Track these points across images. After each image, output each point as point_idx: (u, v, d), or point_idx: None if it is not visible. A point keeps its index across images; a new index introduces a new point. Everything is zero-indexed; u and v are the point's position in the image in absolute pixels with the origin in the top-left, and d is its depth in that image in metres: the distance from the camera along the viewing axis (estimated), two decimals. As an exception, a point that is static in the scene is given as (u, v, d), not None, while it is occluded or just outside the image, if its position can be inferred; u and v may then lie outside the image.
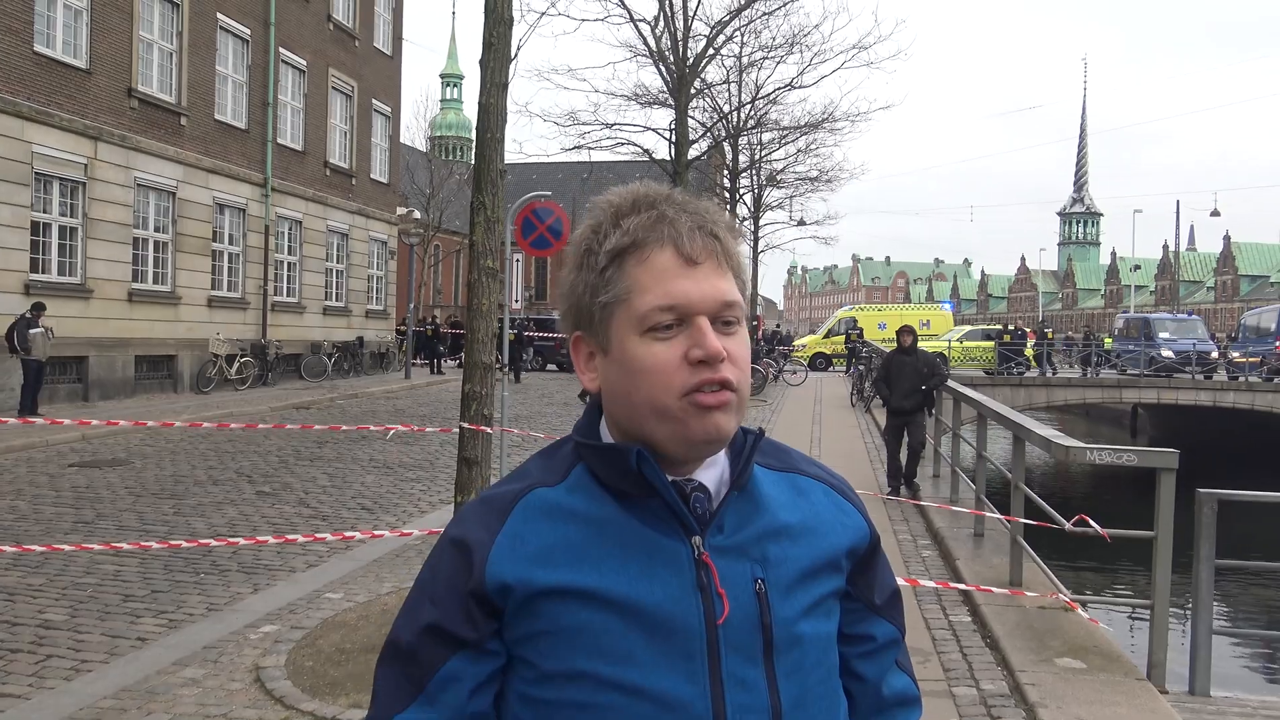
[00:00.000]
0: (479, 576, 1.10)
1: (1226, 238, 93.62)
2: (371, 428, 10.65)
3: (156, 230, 21.10)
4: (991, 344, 33.10)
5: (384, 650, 1.17)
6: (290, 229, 26.11)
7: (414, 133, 57.32)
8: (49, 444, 13.11)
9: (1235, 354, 32.01)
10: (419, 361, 31.74)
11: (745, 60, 18.63)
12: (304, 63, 26.46)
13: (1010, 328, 37.53)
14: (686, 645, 1.08)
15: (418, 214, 33.32)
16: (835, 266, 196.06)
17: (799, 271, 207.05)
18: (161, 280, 21.21)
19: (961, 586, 6.62)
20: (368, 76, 30.03)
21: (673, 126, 15.87)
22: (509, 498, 1.16)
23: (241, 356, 22.27)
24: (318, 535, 7.33)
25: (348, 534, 7.35)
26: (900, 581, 6.41)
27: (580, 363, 1.18)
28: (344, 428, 10.46)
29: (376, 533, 7.42)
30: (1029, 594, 6.18)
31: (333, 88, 28.17)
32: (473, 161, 6.26)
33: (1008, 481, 6.88)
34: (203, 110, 22.33)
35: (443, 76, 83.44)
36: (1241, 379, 29.26)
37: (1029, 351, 34.60)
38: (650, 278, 1.10)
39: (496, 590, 1.10)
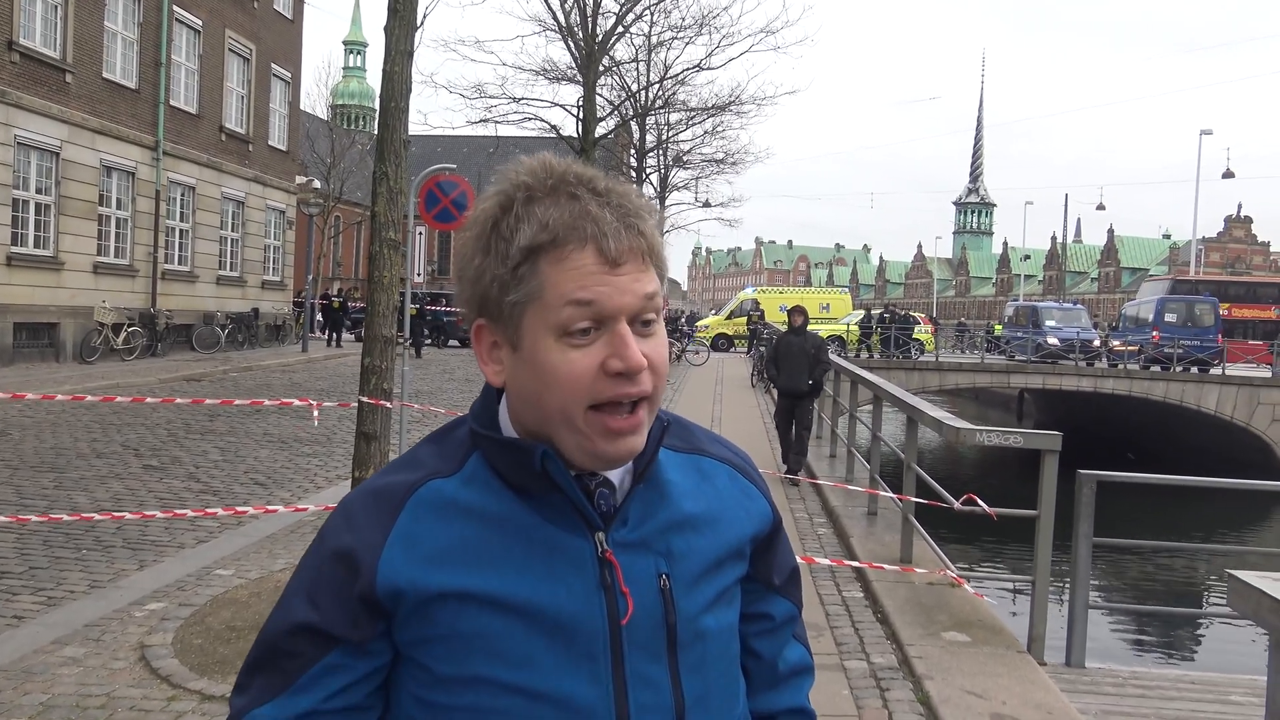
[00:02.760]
0: (369, 581, 1.04)
1: (1110, 231, 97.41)
2: (265, 402, 10.37)
3: (38, 192, 20.14)
4: (853, 328, 33.48)
5: (256, 645, 1.11)
6: (183, 195, 25.22)
7: (315, 100, 55.76)
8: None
9: (1116, 342, 33.40)
10: (317, 334, 31.06)
11: (655, 39, 18.68)
12: (199, 22, 25.52)
13: (902, 313, 38.44)
14: (589, 647, 1.05)
15: (318, 183, 32.54)
16: (739, 249, 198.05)
17: (703, 253, 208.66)
18: (43, 244, 20.27)
19: (855, 564, 6.78)
20: (267, 39, 29.12)
21: (580, 103, 15.78)
22: (401, 492, 1.09)
23: (129, 326, 21.47)
24: (209, 510, 7.13)
25: (240, 509, 7.16)
26: (796, 559, 6.56)
27: (482, 352, 1.10)
28: (236, 402, 10.15)
29: (270, 508, 7.24)
30: (919, 571, 6.37)
31: (230, 49, 27.23)
32: (375, 131, 6.14)
33: (901, 462, 7.07)
34: (90, 68, 21.36)
35: (346, 43, 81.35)
36: (1121, 366, 30.55)
37: (925, 336, 35.54)
38: (568, 280, 1.01)
39: (388, 595, 1.04)
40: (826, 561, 6.73)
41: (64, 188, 20.63)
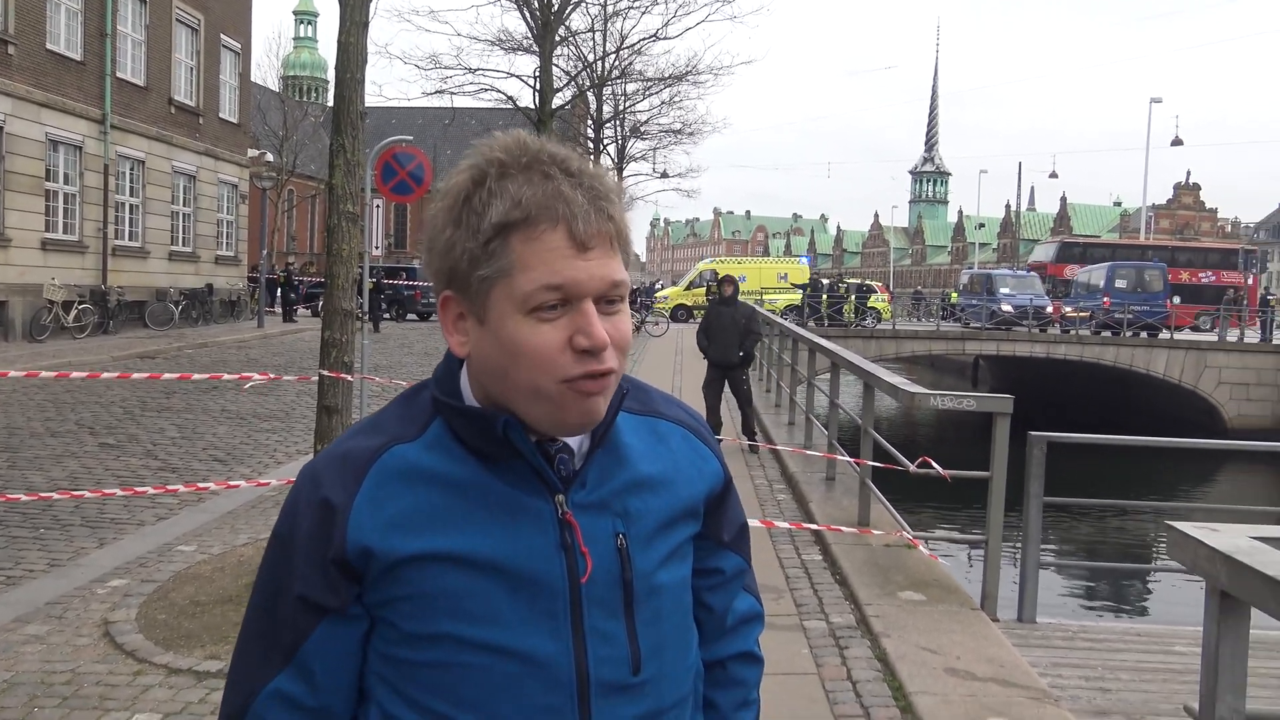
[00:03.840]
0: (340, 543, 1.08)
1: (1063, 199, 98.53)
2: (224, 376, 10.30)
3: (-19, 167, 19.69)
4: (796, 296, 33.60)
5: (247, 615, 1.16)
6: (132, 169, 24.75)
7: (265, 71, 54.85)
8: None
9: (1068, 309, 33.92)
10: (274, 310, 30.73)
11: (611, 9, 18.57)
12: (145, -9, 24.98)
13: (855, 281, 38.80)
14: (550, 604, 1.10)
15: (270, 156, 32.07)
16: (697, 219, 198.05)
17: (661, 224, 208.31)
18: (-12, 221, 19.85)
19: (813, 527, 6.91)
20: (215, 9, 28.54)
21: (537, 74, 15.67)
22: (366, 456, 1.12)
23: (80, 303, 21.11)
24: (168, 487, 7.11)
25: (201, 485, 7.14)
26: (756, 523, 6.65)
27: (448, 323, 1.13)
28: (195, 376, 10.07)
29: (232, 484, 7.23)
30: (876, 533, 6.51)
31: (177, 20, 26.68)
32: (330, 103, 6.10)
33: (859, 428, 7.19)
34: (33, 39, 20.84)
35: (296, 13, 79.85)
36: (1073, 332, 31.05)
37: (882, 305, 35.88)
38: (538, 258, 1.04)
39: (358, 556, 1.08)
40: (786, 525, 6.84)
41: (9, 163, 20.17)
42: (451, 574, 1.08)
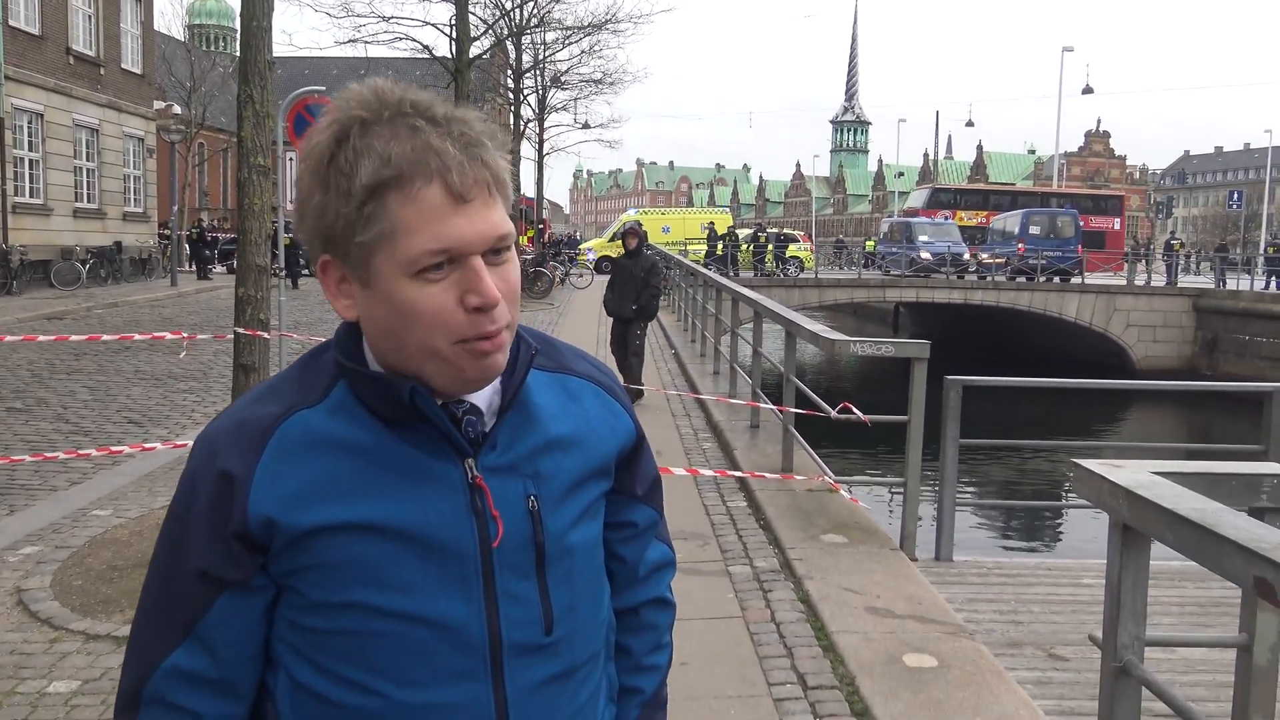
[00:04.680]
0: (241, 516, 1.06)
1: (979, 147, 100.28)
2: (135, 337, 10.00)
3: None
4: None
5: (144, 589, 1.12)
6: (30, 122, 23.71)
7: (170, 20, 52.96)
8: None
9: (984, 256, 34.63)
10: (186, 268, 29.84)
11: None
12: (35, -66, 23.78)
13: (774, 230, 39.12)
14: (461, 569, 1.09)
15: (178, 109, 30.99)
16: (620, 170, 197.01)
17: (584, 175, 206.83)
18: (-124, 178, 18.89)
19: (738, 474, 7.00)
20: (113, -46, 27.32)
21: (453, 22, 15.34)
22: (266, 424, 1.08)
23: (-21, 263, 20.28)
24: (80, 451, 6.91)
25: (115, 449, 6.96)
26: (681, 471, 6.73)
27: (330, 287, 1.09)
28: (104, 338, 9.77)
29: (148, 446, 7.06)
30: (799, 478, 6.63)
31: (72, -36, 25.49)
32: (238, 53, 5.91)
33: (783, 376, 7.28)
34: (-86, -15, 19.77)
35: (200, -42, 76.82)
36: (989, 279, 31.74)
37: (805, 254, 36.20)
38: (418, 218, 1.00)
39: (260, 529, 1.06)
40: (711, 473, 6.93)
41: (-105, 116, 19.19)
42: (360, 543, 1.06)
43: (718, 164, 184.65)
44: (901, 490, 5.97)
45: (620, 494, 1.27)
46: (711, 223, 36.25)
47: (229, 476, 1.06)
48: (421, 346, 1.04)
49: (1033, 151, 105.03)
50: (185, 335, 7.78)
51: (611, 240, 38.63)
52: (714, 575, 5.17)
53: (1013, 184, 55.65)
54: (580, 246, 38.97)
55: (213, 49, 64.43)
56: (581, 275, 28.68)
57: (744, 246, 33.61)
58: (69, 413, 9.61)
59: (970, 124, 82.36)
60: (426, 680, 1.08)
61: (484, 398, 1.12)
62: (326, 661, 1.09)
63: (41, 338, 9.36)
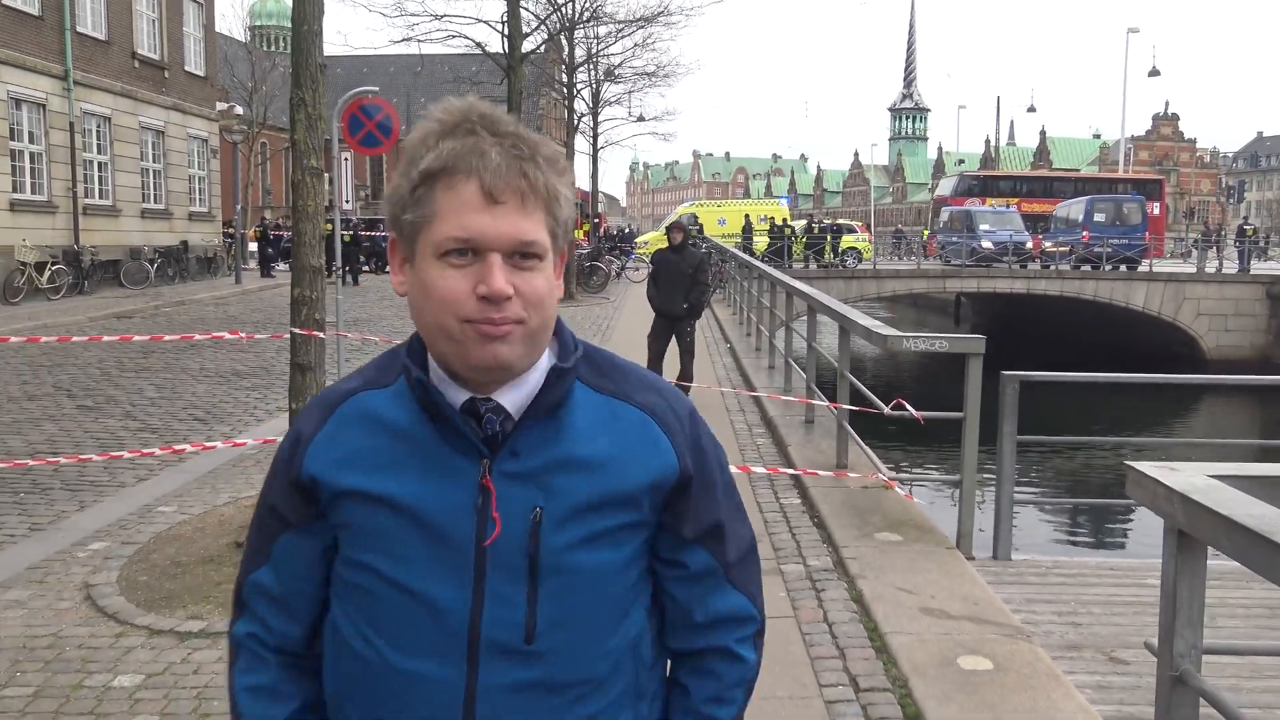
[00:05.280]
0: (296, 469, 1.25)
1: (1042, 132, 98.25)
2: (196, 337, 10.22)
3: (-56, 127, 19.32)
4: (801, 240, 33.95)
5: (253, 516, 1.35)
6: (98, 126, 24.32)
7: (231, 22, 53.96)
8: None
9: (1047, 244, 33.97)
10: (250, 265, 30.44)
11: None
12: (102, -59, 24.35)
13: (828, 222, 38.78)
14: (456, 559, 1.19)
15: (240, 109, 31.56)
16: (676, 163, 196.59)
17: (640, 168, 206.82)
18: (-46, 182, 19.52)
19: (792, 471, 6.96)
20: (176, -41, 27.89)
21: (504, 19, 15.40)
22: (338, 397, 1.28)
23: (53, 264, 20.86)
24: (146, 450, 7.08)
25: (178, 447, 7.12)
26: (734, 470, 6.70)
27: (394, 265, 1.24)
28: (166, 338, 10.00)
29: (209, 444, 7.21)
30: (853, 475, 6.57)
31: (137, -29, 26.06)
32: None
33: (836, 370, 7.22)
34: (-12, -6, 20.35)
35: (261, -40, 78.07)
36: (1053, 267, 31.14)
37: (863, 244, 35.81)
38: (451, 207, 1.13)
39: (309, 482, 1.24)
40: (763, 470, 6.89)
41: (-29, 122, 19.81)
42: (379, 514, 1.21)
43: (774, 154, 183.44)
44: (958, 487, 5.88)
45: (666, 532, 1.28)
46: (768, 215, 36.06)
47: (300, 435, 1.27)
48: (436, 323, 1.16)
49: (1098, 136, 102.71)
50: (244, 335, 7.91)
51: (666, 233, 38.62)
52: (766, 574, 5.10)
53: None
54: (636, 240, 38.94)
55: (273, 49, 65.53)
56: (638, 269, 28.67)
57: (799, 238, 33.33)
58: (137, 410, 9.85)
59: (1033, 109, 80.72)
60: (411, 649, 1.21)
61: (514, 401, 1.20)
62: (349, 610, 1.25)
63: (106, 338, 9.61)
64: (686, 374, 10.12)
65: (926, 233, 42.94)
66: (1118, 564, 5.91)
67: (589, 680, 1.23)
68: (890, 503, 6.15)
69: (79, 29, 23.26)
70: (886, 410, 5.80)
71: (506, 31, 15.59)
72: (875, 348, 6.54)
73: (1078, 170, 64.53)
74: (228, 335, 9.17)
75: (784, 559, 5.40)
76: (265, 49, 59.83)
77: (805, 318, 9.52)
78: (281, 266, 31.08)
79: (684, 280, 9.98)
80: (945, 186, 49.50)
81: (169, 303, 20.55)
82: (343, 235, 28.25)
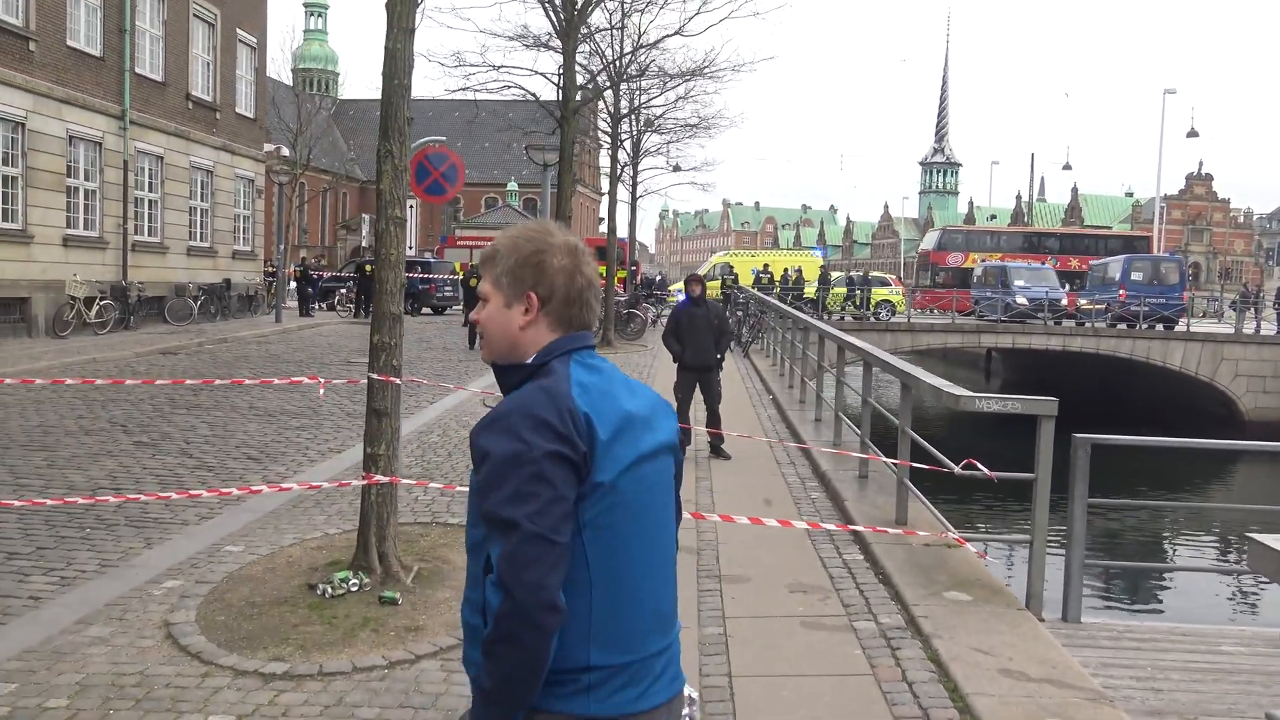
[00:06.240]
0: (584, 432, 1.79)
1: (1074, 189, 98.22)
2: (245, 381, 10.36)
3: (6, 164, 19.80)
4: (843, 290, 34.48)
5: (511, 474, 1.73)
6: (151, 165, 24.84)
7: (278, 65, 55.00)
8: (-103, 393, 12.35)
9: (1083, 301, 33.82)
10: (289, 304, 30.81)
11: (629, 4, 18.45)
12: (162, -13, 25.02)
13: (868, 274, 38.83)
14: None
15: (286, 150, 32.11)
16: (706, 211, 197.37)
17: (670, 215, 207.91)
18: (12, 218, 19.95)
19: (853, 528, 6.95)
20: (231, 4, 28.59)
21: (560, 71, 15.68)
22: (564, 385, 1.84)
23: (101, 299, 21.22)
24: (222, 490, 7.18)
25: (254, 488, 7.22)
26: (802, 525, 6.70)
27: None
28: (217, 382, 10.14)
29: (285, 486, 7.31)
30: (920, 533, 6.55)
31: (194, 15, 26.74)
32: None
33: (885, 423, 7.21)
34: (53, 35, 20.92)
35: (306, 5, 79.81)
36: (1088, 325, 30.99)
37: (896, 297, 35.81)
38: None
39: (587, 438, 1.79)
40: (831, 527, 6.89)
41: (31, 159, 20.28)
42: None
43: (803, 204, 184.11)
44: (1026, 548, 5.86)
45: None
46: (800, 266, 36.16)
47: (567, 405, 1.83)
48: None
49: (1130, 194, 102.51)
50: (321, 381, 8.04)
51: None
52: (839, 630, 5.14)
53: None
54: (669, 287, 39.07)
55: (316, 92, 66.73)
56: (672, 317, 28.74)
57: (835, 290, 33.41)
58: (192, 447, 9.97)
59: (1068, 167, 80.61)
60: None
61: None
62: None
63: (158, 382, 9.72)
64: (716, 420, 10.10)
65: (914, 287, 42.93)
66: (1190, 629, 5.85)
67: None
68: (955, 561, 6.13)
69: (138, 70, 23.84)
70: (957, 470, 5.81)
71: (561, 84, 15.87)
72: (916, 398, 6.52)
73: (1060, 227, 64.15)
74: (306, 380, 9.28)
75: (855, 615, 5.38)
76: (309, 91, 60.96)
77: (850, 368, 9.54)
78: (319, 306, 31.47)
79: (710, 331, 10.08)
80: (929, 240, 49.32)
81: (212, 340, 20.82)
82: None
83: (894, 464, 7.04)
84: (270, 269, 30.47)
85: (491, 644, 1.70)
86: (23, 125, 20.02)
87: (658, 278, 34.37)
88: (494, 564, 1.71)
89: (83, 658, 4.63)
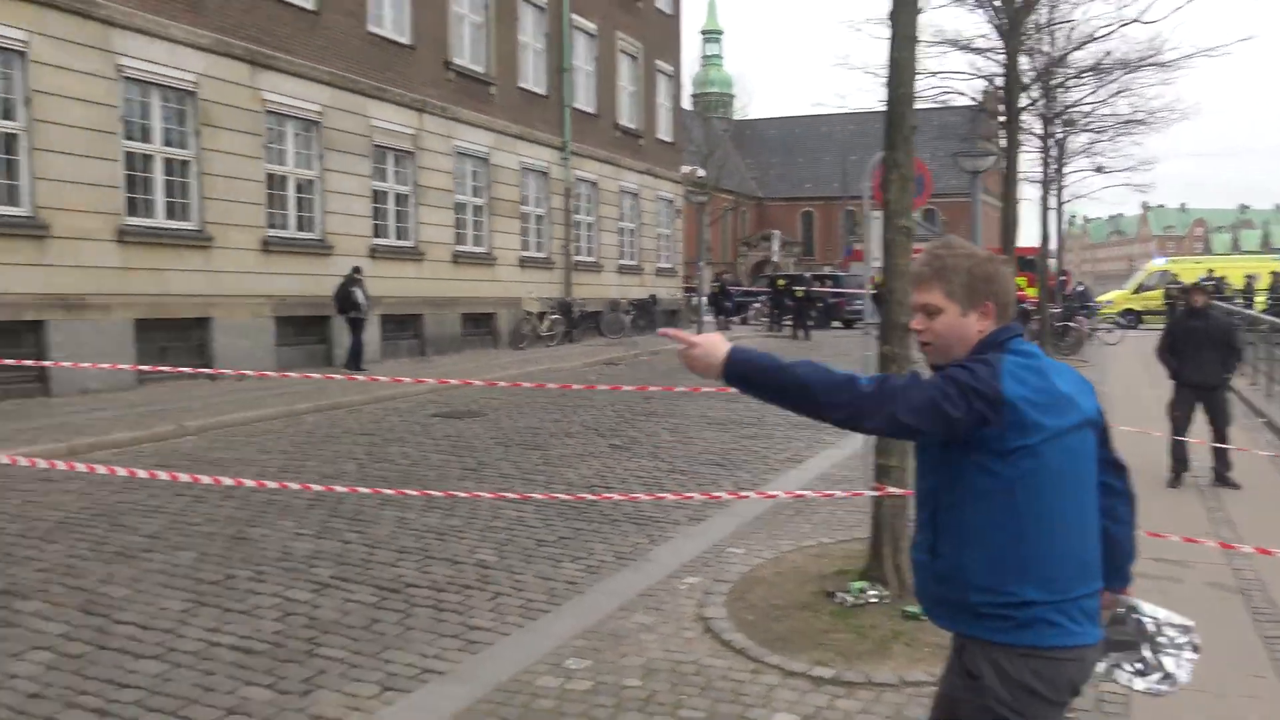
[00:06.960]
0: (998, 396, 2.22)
1: None
2: (702, 390, 10.80)
3: (473, 195, 22.41)
4: None
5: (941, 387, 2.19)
6: (587, 191, 27.06)
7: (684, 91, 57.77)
8: (408, 395, 14.31)
9: None
10: (708, 319, 32.20)
11: (1071, -1, 17.19)
12: (594, 27, 27.20)
13: None
14: None
15: (701, 172, 33.66)
16: (1120, 215, 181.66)
17: (1079, 220, 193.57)
18: (479, 242, 22.56)
19: None
20: (650, 37, 30.51)
21: (1005, 71, 15.01)
22: (996, 363, 2.24)
23: (550, 314, 23.38)
24: (740, 493, 7.57)
25: (770, 492, 7.55)
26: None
27: None
28: (677, 389, 10.65)
29: (800, 493, 7.57)
30: None
31: (620, 50, 28.82)
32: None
33: None
34: (508, 79, 23.42)
35: (703, 32, 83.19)
36: None
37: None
38: None
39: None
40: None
41: (493, 190, 22.82)
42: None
43: (1241, 204, 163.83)
44: None
45: None
46: (1257, 273, 32.04)
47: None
48: None
49: None
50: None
51: (1136, 292, 35.54)
52: None
53: None
54: (1098, 299, 36.17)
55: (713, 114, 69.42)
56: (1111, 330, 26.50)
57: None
58: (660, 452, 10.59)
59: None
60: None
61: None
62: None
63: (625, 388, 10.33)
64: (1223, 438, 9.12)
65: None
66: None
67: None
68: None
69: (574, 104, 26.09)
70: None
71: (1005, 84, 15.22)
72: None
73: None
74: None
75: None
76: (710, 115, 63.60)
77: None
78: (735, 320, 32.59)
79: (1217, 348, 9.15)
80: None
81: (645, 351, 22.20)
82: (795, 290, 29.01)
83: None
84: (689, 285, 32.03)
85: (846, 393, 2.24)
86: (486, 160, 22.57)
87: (1081, 288, 31.82)
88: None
89: (638, 644, 4.98)
